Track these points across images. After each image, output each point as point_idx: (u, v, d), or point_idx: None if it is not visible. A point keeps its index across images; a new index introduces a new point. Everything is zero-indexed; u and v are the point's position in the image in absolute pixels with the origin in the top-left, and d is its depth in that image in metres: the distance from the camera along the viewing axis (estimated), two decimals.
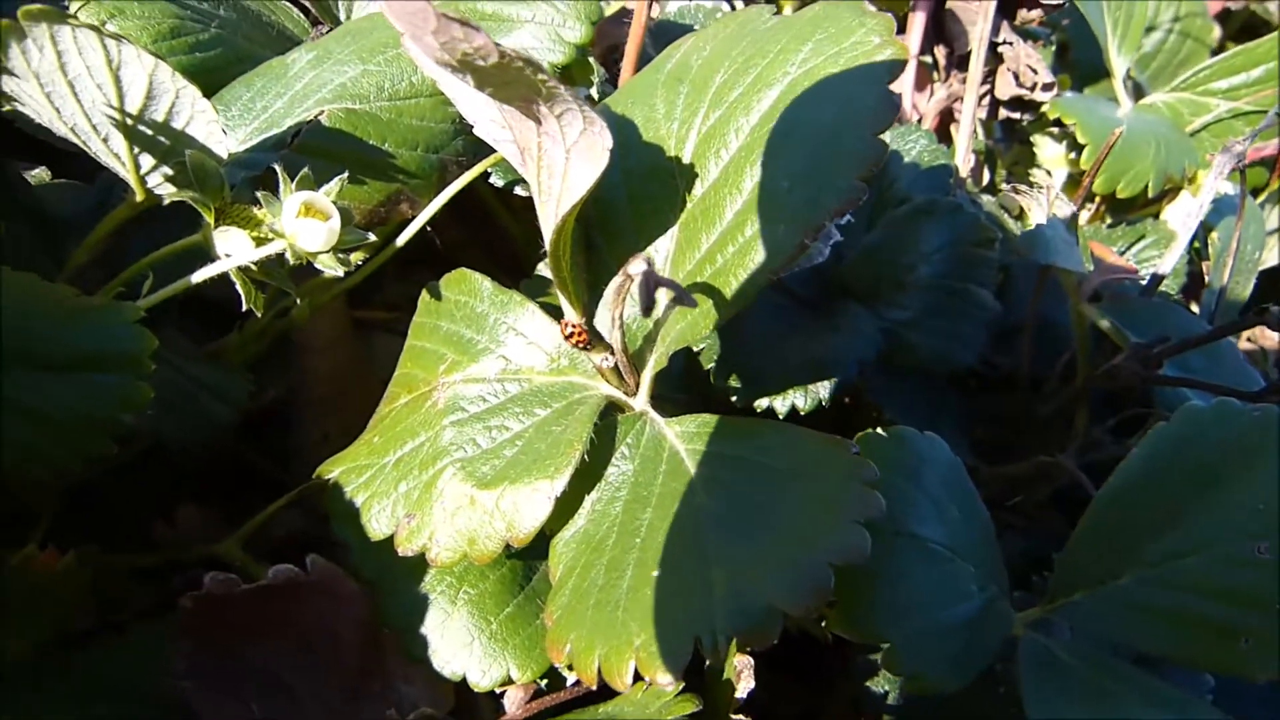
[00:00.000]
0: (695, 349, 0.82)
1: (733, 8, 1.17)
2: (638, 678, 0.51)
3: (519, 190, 0.85)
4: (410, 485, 0.65)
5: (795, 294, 0.91)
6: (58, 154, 0.93)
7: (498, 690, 0.69)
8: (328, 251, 0.65)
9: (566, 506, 0.61)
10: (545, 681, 0.71)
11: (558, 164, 0.56)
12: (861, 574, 0.58)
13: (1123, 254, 1.14)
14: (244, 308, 0.68)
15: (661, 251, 0.64)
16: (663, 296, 0.65)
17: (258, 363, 0.90)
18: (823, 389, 0.79)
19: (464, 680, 0.68)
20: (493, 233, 1.07)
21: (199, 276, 0.67)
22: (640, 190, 0.66)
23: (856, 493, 0.52)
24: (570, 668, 0.68)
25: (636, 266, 0.53)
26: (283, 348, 0.95)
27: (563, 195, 0.57)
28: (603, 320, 0.65)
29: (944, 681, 0.58)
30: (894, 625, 0.57)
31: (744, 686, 0.60)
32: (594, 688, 0.55)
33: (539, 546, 0.70)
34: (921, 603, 0.59)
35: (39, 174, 0.91)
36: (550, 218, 0.59)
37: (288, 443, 0.97)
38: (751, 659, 0.62)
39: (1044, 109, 1.16)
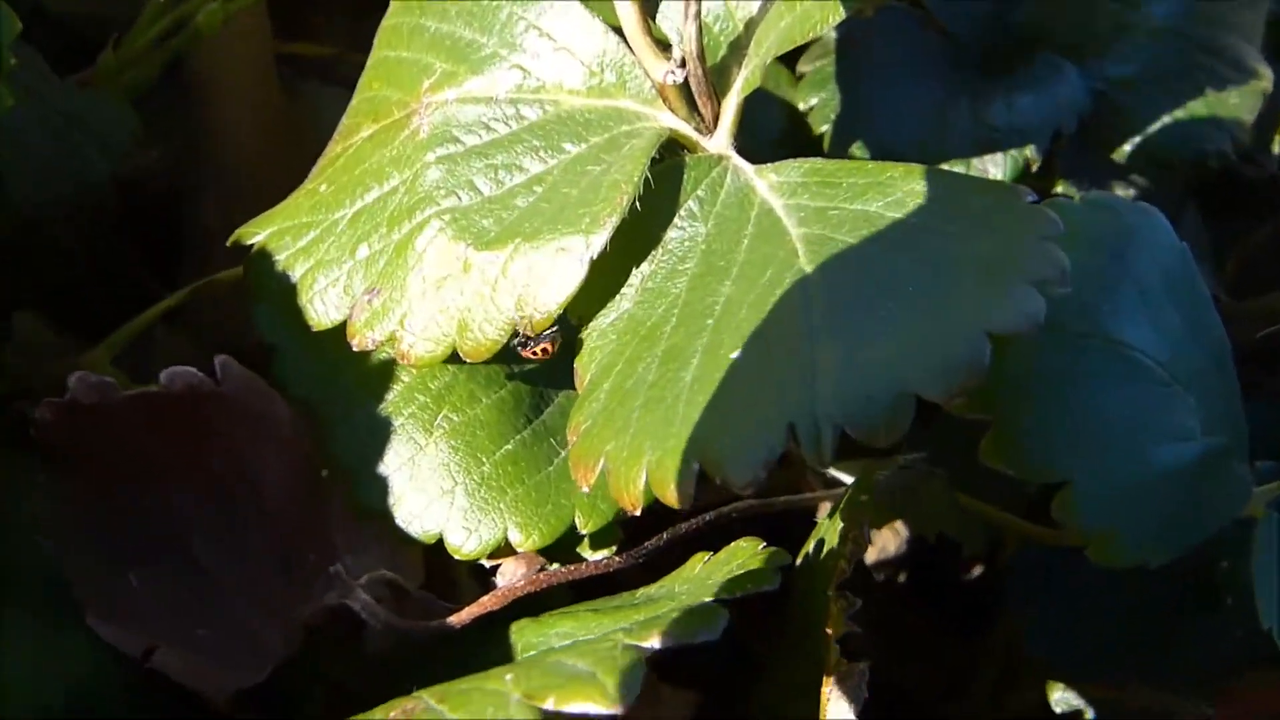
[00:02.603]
0: (803, 107, 0.88)
1: None
2: (701, 486, 0.57)
3: None
4: (375, 248, 0.72)
5: (958, 40, 0.96)
6: None
7: (487, 561, 0.77)
8: None
9: (605, 279, 0.68)
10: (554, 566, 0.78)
11: None
12: (1032, 383, 0.64)
13: None
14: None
15: None
16: None
17: (139, 107, 0.96)
18: (993, 165, 0.84)
19: (439, 543, 0.75)
20: None
21: None
22: None
23: (1030, 246, 0.58)
24: (584, 534, 0.75)
25: None
26: (173, 90, 1.01)
27: None
28: (672, 12, 0.71)
29: (1144, 547, 0.64)
30: (1077, 456, 0.63)
31: (853, 553, 0.67)
32: (635, 513, 0.61)
33: (554, 371, 0.78)
34: (1118, 430, 0.64)
35: None
36: None
37: (174, 236, 1.04)
38: (867, 523, 0.69)
39: None
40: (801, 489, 0.94)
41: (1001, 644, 0.91)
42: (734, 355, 0.61)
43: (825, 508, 0.99)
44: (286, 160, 1.03)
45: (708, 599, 0.62)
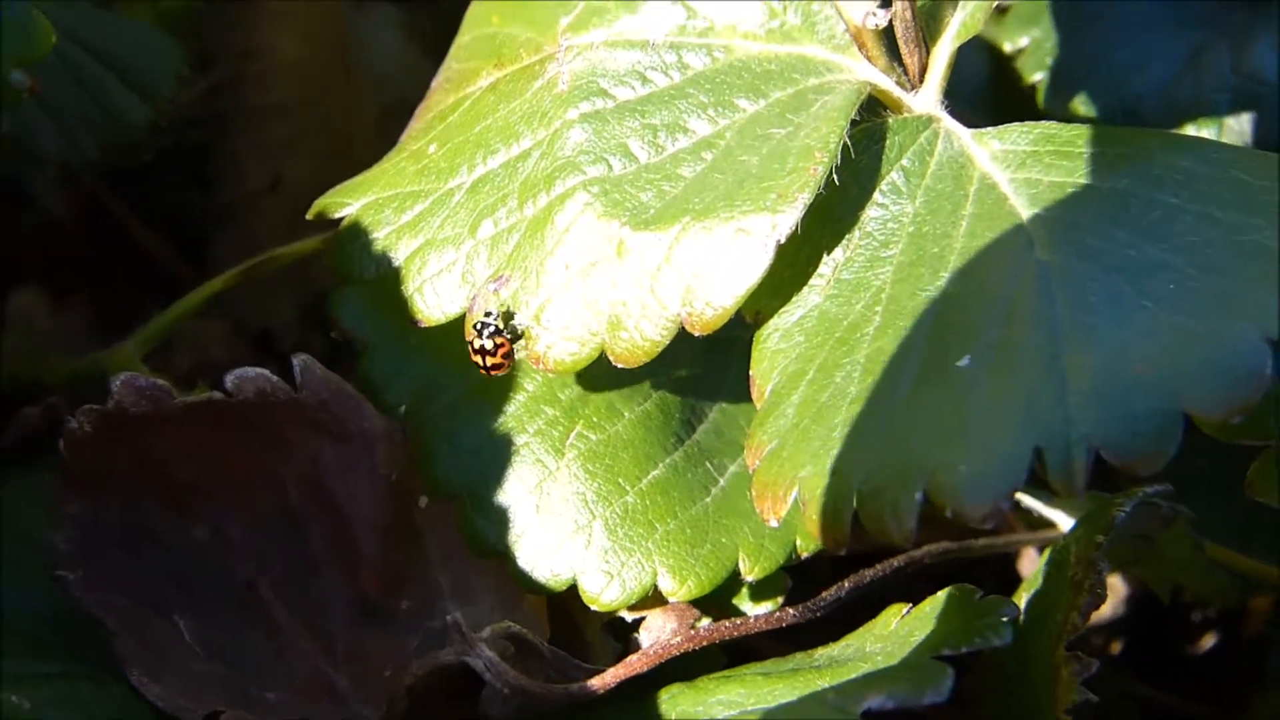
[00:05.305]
0: (1009, 49, 0.95)
1: None
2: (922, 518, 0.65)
3: None
4: (502, 225, 0.79)
5: None
6: None
7: (628, 613, 0.85)
8: None
9: (790, 268, 0.76)
10: (705, 621, 0.85)
11: None
12: None
13: None
14: None
15: None
16: None
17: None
18: (1255, 128, 0.91)
19: (571, 589, 0.82)
20: None
21: None
22: None
23: None
24: (748, 581, 0.82)
25: None
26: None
27: None
28: None
29: None
30: None
31: (1089, 605, 0.74)
32: (840, 552, 0.69)
33: (707, 379, 0.86)
34: None
35: None
36: None
37: (207, 197, 1.11)
38: (1105, 568, 0.76)
39: None
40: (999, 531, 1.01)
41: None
42: (961, 364, 0.68)
43: (1028, 554, 1.07)
44: (338, 91, 1.10)
45: (924, 654, 0.69)
